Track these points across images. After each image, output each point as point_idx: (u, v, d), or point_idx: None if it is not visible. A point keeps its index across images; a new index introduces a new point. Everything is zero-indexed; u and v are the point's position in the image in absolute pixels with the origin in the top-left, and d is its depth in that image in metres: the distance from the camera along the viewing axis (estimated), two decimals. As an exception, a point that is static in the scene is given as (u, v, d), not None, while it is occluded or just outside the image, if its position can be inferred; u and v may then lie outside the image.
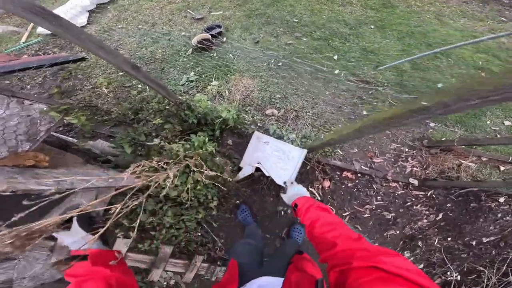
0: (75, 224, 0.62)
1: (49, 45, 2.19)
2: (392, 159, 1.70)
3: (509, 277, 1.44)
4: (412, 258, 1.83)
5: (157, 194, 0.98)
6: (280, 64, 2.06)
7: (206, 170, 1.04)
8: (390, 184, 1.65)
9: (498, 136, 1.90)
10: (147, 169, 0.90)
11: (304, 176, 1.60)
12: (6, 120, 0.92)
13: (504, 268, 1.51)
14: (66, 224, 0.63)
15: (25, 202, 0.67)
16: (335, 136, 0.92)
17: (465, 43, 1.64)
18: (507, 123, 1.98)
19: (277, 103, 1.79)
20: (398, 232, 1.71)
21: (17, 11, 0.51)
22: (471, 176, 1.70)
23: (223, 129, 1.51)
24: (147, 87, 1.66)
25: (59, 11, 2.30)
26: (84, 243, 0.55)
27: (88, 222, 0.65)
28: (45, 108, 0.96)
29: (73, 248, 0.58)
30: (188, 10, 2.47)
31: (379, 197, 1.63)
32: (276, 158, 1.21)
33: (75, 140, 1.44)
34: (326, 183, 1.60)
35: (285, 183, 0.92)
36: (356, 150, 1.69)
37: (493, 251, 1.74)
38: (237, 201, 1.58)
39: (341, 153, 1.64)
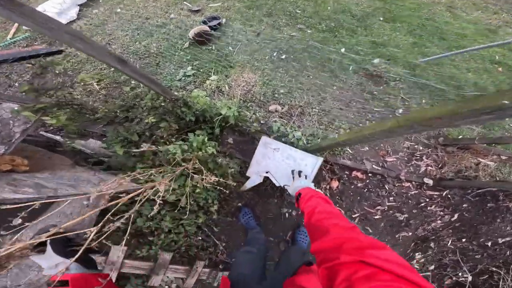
0: (49, 249, 0.55)
1: (37, 41, 2.08)
2: (406, 158, 1.59)
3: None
4: (423, 260, 1.75)
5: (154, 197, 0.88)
6: (283, 57, 1.93)
7: (206, 174, 0.94)
8: (403, 184, 1.54)
9: (518, 133, 1.77)
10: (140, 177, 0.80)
11: (310, 177, 1.50)
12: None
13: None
14: (39, 248, 0.55)
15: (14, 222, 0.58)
16: (353, 136, 0.81)
17: (501, 43, 1.50)
18: (527, 120, 1.85)
19: (281, 99, 1.68)
20: (410, 233, 1.61)
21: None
22: (489, 175, 1.59)
23: (223, 127, 1.41)
24: (141, 83, 1.55)
25: (47, 5, 2.18)
26: (60, 269, 0.47)
27: (65, 244, 0.56)
28: (16, 108, 0.86)
29: (50, 273, 0.52)
30: (184, 1, 2.34)
31: (391, 198, 1.53)
32: (287, 167, 1.07)
33: (76, 141, 1.34)
34: (334, 184, 1.50)
35: (292, 171, 0.87)
36: (367, 148, 1.57)
37: (508, 252, 1.65)
38: (239, 204, 1.50)
39: (350, 151, 1.53)
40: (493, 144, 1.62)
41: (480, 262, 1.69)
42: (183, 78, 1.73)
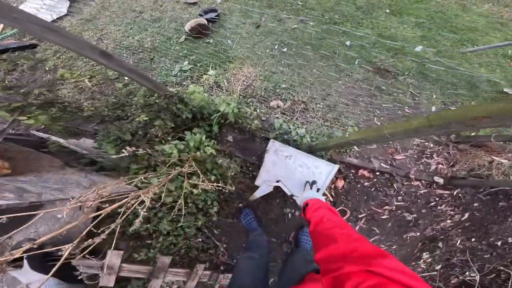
0: (25, 264, 0.53)
1: (26, 37, 1.99)
2: (415, 156, 1.51)
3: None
4: (430, 259, 1.70)
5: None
6: (284, 50, 1.83)
7: (204, 177, 0.87)
8: (412, 183, 1.46)
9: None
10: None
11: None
12: None
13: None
14: (16, 263, 0.51)
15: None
16: (368, 136, 0.72)
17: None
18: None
19: (283, 94, 1.59)
20: (418, 234, 1.55)
21: None
22: (503, 173, 1.51)
23: (222, 124, 1.33)
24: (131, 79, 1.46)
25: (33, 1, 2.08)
26: (37, 286, 0.43)
27: (44, 259, 0.51)
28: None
29: None
30: (180, -7, 2.22)
31: (399, 197, 1.46)
32: (300, 175, 0.97)
33: (61, 140, 1.28)
34: (340, 183, 1.43)
35: (306, 183, 0.85)
36: (375, 146, 1.49)
37: (517, 251, 1.58)
38: (240, 204, 1.43)
39: (357, 149, 1.45)
40: (507, 142, 1.53)
41: (489, 261, 1.65)
42: (179, 73, 1.64)
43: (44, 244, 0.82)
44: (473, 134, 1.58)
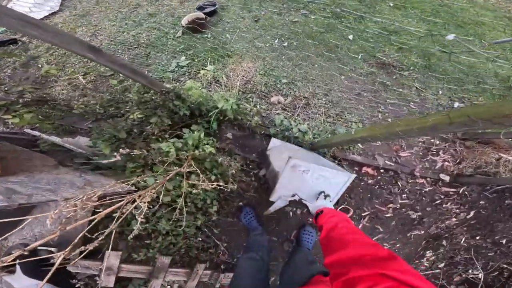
0: (18, 270, 0.52)
1: (17, 34, 1.94)
2: (421, 153, 1.46)
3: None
4: (433, 257, 1.67)
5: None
6: (285, 44, 1.77)
7: (203, 177, 0.83)
8: (417, 181, 1.42)
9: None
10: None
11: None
12: None
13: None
14: (9, 268, 0.49)
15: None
16: (377, 133, 0.67)
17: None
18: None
19: (284, 89, 1.53)
20: (422, 232, 1.53)
21: None
22: (510, 171, 1.46)
23: (221, 121, 1.29)
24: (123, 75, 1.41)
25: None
26: None
27: (38, 264, 0.48)
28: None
29: None
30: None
31: (404, 195, 1.42)
32: (317, 187, 0.92)
33: (56, 138, 1.24)
34: (342, 181, 1.39)
35: (321, 193, 0.87)
36: (379, 143, 1.45)
37: (521, 249, 1.56)
38: (240, 203, 1.40)
39: (361, 146, 1.41)
40: (515, 138, 1.48)
41: (493, 259, 1.63)
42: (176, 69, 1.59)
43: (38, 249, 0.80)
44: (480, 131, 1.53)
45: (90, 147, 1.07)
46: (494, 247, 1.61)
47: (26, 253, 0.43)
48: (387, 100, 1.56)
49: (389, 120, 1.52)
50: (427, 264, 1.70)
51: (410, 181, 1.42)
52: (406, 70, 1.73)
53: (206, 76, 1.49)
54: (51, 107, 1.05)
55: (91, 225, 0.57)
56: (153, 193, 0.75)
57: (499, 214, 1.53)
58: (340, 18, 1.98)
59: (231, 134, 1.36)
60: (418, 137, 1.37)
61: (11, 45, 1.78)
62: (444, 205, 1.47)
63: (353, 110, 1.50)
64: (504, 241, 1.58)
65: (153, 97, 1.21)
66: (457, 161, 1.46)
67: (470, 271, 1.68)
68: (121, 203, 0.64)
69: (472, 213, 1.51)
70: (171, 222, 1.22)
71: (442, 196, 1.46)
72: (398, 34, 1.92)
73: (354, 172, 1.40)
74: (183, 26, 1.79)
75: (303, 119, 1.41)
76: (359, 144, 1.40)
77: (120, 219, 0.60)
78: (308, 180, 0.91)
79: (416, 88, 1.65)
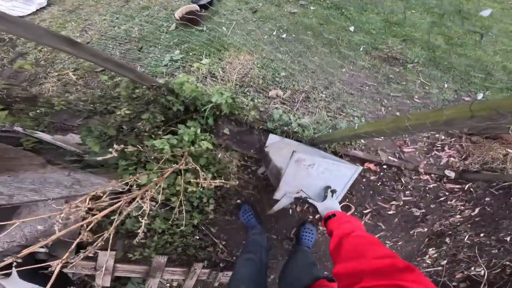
0: (14, 273, 0.51)
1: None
2: (425, 149, 1.41)
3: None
4: (436, 255, 1.64)
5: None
6: (284, 36, 1.70)
7: (202, 174, 0.79)
8: (421, 177, 1.38)
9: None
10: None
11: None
12: None
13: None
14: (4, 271, 0.46)
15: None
16: (383, 128, 0.62)
17: None
18: None
19: (282, 83, 1.48)
20: (426, 229, 1.49)
21: None
22: (518, 166, 1.41)
23: (218, 116, 1.24)
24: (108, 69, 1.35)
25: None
26: None
27: (33, 268, 0.46)
28: None
29: None
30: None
31: (407, 192, 1.37)
32: (322, 182, 0.87)
33: (48, 136, 1.20)
34: (344, 178, 1.34)
35: (326, 188, 0.82)
36: (382, 138, 1.40)
37: (525, 246, 1.53)
38: (238, 201, 1.37)
39: (363, 141, 1.36)
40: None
41: (496, 256, 1.60)
42: (169, 63, 1.53)
43: (36, 252, 0.77)
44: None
45: (80, 144, 1.03)
46: (498, 244, 1.58)
47: (19, 260, 0.40)
48: (391, 94, 1.50)
49: (395, 114, 1.46)
50: (429, 262, 1.68)
51: (414, 178, 1.37)
52: (410, 63, 1.66)
53: (201, 69, 1.43)
54: (32, 104, 1.00)
55: (89, 228, 0.53)
56: (154, 192, 0.72)
57: (504, 211, 1.49)
58: (340, 9, 1.90)
59: (228, 129, 1.31)
60: (428, 132, 1.31)
61: None
62: (448, 202, 1.43)
63: (355, 104, 1.44)
64: (508, 239, 1.55)
65: (145, 93, 1.16)
66: (463, 157, 1.41)
67: (472, 268, 1.65)
68: (120, 203, 0.60)
69: (477, 210, 1.47)
70: (166, 221, 1.18)
71: (446, 193, 1.42)
72: (401, 26, 1.84)
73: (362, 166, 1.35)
74: (176, 20, 1.72)
75: (303, 113, 1.35)
76: (361, 140, 1.35)
77: (118, 221, 0.56)
78: (314, 175, 0.86)
79: (421, 81, 1.59)
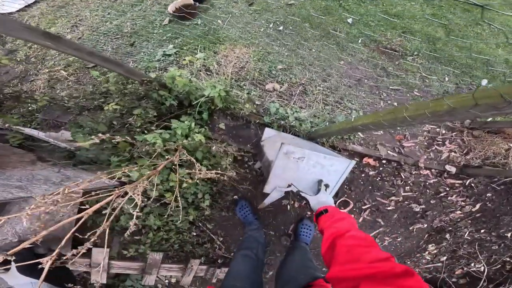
0: (13, 268, 0.52)
1: None
2: (426, 143, 1.38)
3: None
4: (436, 251, 1.63)
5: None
6: (280, 28, 1.66)
7: (198, 167, 0.76)
8: (421, 172, 1.35)
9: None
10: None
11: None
12: None
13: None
14: (4, 266, 0.45)
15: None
16: (381, 119, 0.58)
17: None
18: None
19: (279, 76, 1.44)
20: (425, 225, 1.47)
21: None
22: (520, 160, 1.38)
23: (213, 110, 1.21)
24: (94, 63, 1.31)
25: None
26: None
27: (32, 261, 0.45)
28: None
29: None
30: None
31: (407, 187, 1.35)
32: (314, 176, 0.84)
33: (41, 133, 1.17)
34: (342, 173, 1.32)
35: (320, 182, 0.78)
36: (381, 132, 1.36)
37: (526, 242, 1.51)
38: (235, 197, 1.35)
39: (361, 135, 1.33)
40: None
41: (496, 253, 1.58)
42: (162, 58, 1.50)
43: (35, 247, 0.75)
44: (490, 119, 1.44)
45: (71, 141, 1.01)
46: (499, 240, 1.56)
47: (9, 258, 0.39)
48: (390, 87, 1.46)
49: (406, 104, 1.42)
50: (428, 258, 1.66)
51: (413, 173, 1.34)
52: (409, 56, 1.62)
53: (195, 63, 1.39)
54: (17, 101, 0.97)
55: (79, 223, 0.52)
56: (146, 185, 0.69)
57: (506, 207, 1.47)
58: (338, 0, 1.85)
59: (223, 124, 1.28)
60: (428, 123, 1.27)
61: None
62: (449, 198, 1.40)
63: (353, 97, 1.41)
64: (509, 235, 1.52)
65: (139, 88, 1.13)
66: (464, 152, 1.38)
67: (472, 265, 1.64)
68: (111, 197, 0.58)
69: (478, 206, 1.44)
70: (161, 218, 1.17)
71: (447, 188, 1.39)
72: (400, 18, 1.79)
73: (356, 160, 1.32)
74: (170, 14, 1.68)
75: (300, 107, 1.32)
76: (359, 134, 1.32)
77: (112, 216, 0.54)
78: (304, 168, 0.83)
79: (421, 74, 1.55)
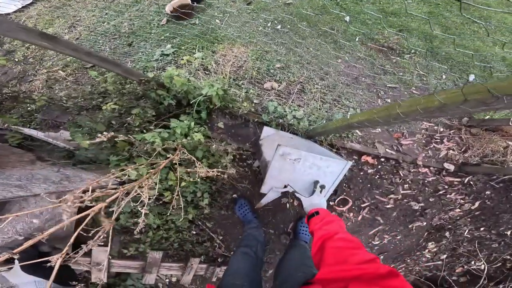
0: (16, 267, 0.51)
1: None
2: (424, 141, 1.38)
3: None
4: (435, 249, 1.63)
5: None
6: (278, 27, 1.66)
7: (198, 165, 0.77)
8: (420, 170, 1.35)
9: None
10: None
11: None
12: None
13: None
14: (7, 264, 0.45)
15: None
16: (376, 116, 0.59)
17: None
18: None
19: (277, 75, 1.45)
20: (425, 223, 1.47)
21: None
22: (518, 158, 1.38)
23: (212, 109, 1.22)
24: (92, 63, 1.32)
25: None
26: None
27: (37, 259, 0.45)
28: None
29: None
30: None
31: (406, 185, 1.35)
32: (310, 177, 0.85)
33: (41, 133, 1.18)
34: (341, 172, 1.32)
35: (315, 183, 0.79)
36: (379, 130, 1.37)
37: (526, 239, 1.51)
38: (234, 195, 1.35)
39: (359, 133, 1.33)
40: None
41: (496, 251, 1.58)
42: (160, 58, 1.50)
43: (39, 244, 0.76)
44: (487, 117, 1.44)
45: (70, 141, 1.02)
46: (498, 238, 1.56)
47: (15, 257, 0.39)
48: (387, 85, 1.46)
49: (398, 100, 1.43)
50: (428, 256, 1.66)
51: (412, 171, 1.35)
52: (406, 54, 1.62)
53: (193, 63, 1.40)
54: (16, 101, 0.98)
55: (86, 221, 0.52)
56: (152, 183, 0.70)
57: (505, 205, 1.47)
58: (335, -1, 1.85)
59: (222, 123, 1.28)
60: (422, 120, 1.28)
61: None
62: (448, 196, 1.40)
63: (351, 95, 1.41)
64: (508, 233, 1.53)
65: (137, 88, 1.14)
66: (462, 149, 1.38)
67: (472, 263, 1.64)
68: (116, 195, 0.59)
69: (477, 204, 1.45)
70: (161, 216, 1.17)
71: (446, 186, 1.39)
72: (397, 16, 1.80)
73: (353, 161, 1.33)
74: (167, 14, 1.69)
75: (298, 105, 1.33)
76: (357, 132, 1.32)
77: (116, 213, 0.54)
78: (300, 170, 0.84)
79: (418, 72, 1.55)
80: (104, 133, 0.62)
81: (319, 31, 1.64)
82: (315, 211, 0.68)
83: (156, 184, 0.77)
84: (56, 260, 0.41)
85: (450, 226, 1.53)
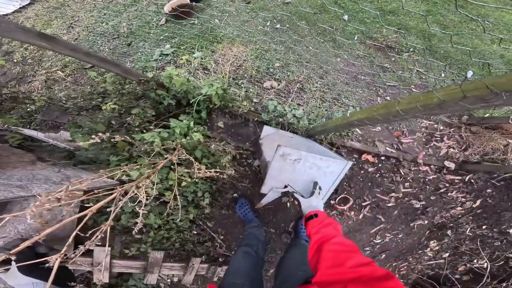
0: (13, 268, 0.50)
1: None
2: (424, 139, 1.38)
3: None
4: (437, 247, 1.62)
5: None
6: (277, 26, 1.66)
7: (197, 165, 0.77)
8: (420, 168, 1.35)
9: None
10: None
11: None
12: None
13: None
14: (5, 266, 0.45)
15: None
16: (376, 114, 0.59)
17: None
18: None
19: (277, 74, 1.45)
20: (426, 222, 1.47)
21: None
22: (519, 156, 1.37)
23: (211, 109, 1.21)
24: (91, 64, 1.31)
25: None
26: None
27: (34, 259, 0.45)
28: None
29: None
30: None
31: (406, 184, 1.35)
32: (311, 178, 0.85)
33: (40, 134, 1.18)
34: (341, 170, 1.32)
35: (315, 184, 0.79)
36: (379, 128, 1.36)
37: (527, 237, 1.50)
38: (235, 195, 1.35)
39: (359, 132, 1.33)
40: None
41: (498, 249, 1.57)
42: (160, 57, 1.50)
43: (36, 245, 0.75)
44: (487, 115, 1.44)
45: (70, 141, 1.02)
46: (501, 236, 1.56)
47: (13, 257, 0.39)
48: (386, 84, 1.46)
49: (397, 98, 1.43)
50: (430, 254, 1.66)
51: (413, 169, 1.34)
52: (405, 52, 1.62)
53: (192, 63, 1.40)
54: (15, 101, 0.98)
55: (83, 221, 0.52)
56: (149, 183, 0.70)
57: (506, 203, 1.46)
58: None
59: (222, 122, 1.28)
60: (420, 117, 1.27)
61: None
62: (449, 194, 1.40)
63: (350, 93, 1.41)
64: (510, 231, 1.52)
65: (137, 88, 1.14)
66: (463, 148, 1.37)
67: (475, 261, 1.63)
68: (114, 195, 0.59)
69: (478, 202, 1.44)
70: (161, 216, 1.17)
71: (447, 184, 1.39)
72: (395, 14, 1.79)
73: (353, 159, 1.32)
74: (166, 14, 1.69)
75: (298, 104, 1.32)
76: (357, 130, 1.32)
77: (114, 213, 0.54)
78: (300, 170, 0.84)
79: (417, 70, 1.55)
80: (99, 134, 0.62)
81: (318, 29, 1.64)
82: (314, 213, 0.68)
83: (154, 184, 0.77)
84: (54, 261, 0.41)
85: (451, 225, 1.53)
